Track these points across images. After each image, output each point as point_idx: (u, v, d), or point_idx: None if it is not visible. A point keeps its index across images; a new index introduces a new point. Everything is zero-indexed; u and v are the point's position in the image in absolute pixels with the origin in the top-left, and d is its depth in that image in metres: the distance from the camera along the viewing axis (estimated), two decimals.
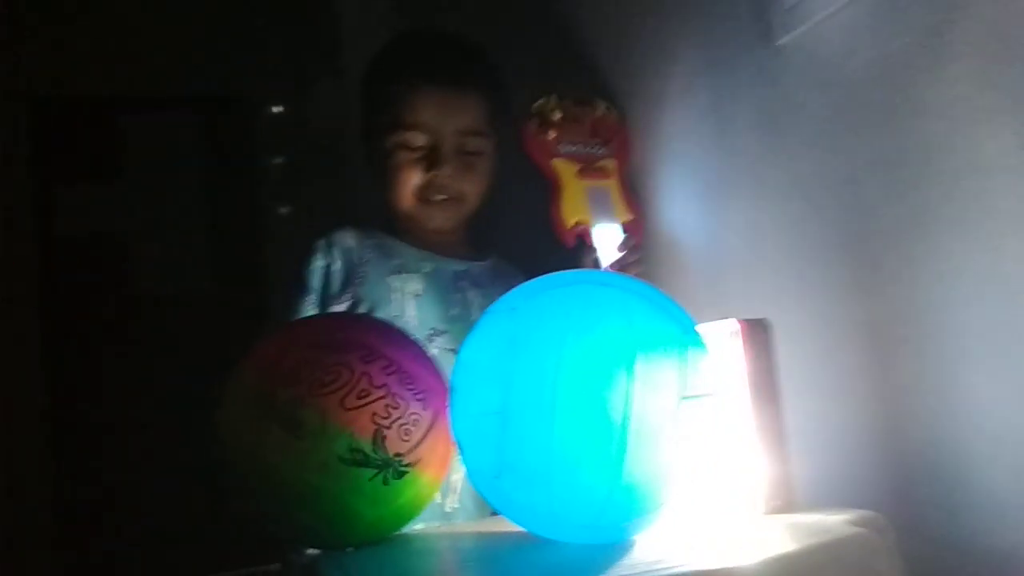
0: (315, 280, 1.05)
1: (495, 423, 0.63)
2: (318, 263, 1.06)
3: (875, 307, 0.80)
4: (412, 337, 0.81)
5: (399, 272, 1.07)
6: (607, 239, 1.06)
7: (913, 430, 0.77)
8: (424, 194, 1.07)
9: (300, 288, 1.05)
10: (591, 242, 1.05)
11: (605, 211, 1.07)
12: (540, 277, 0.70)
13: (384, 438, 0.69)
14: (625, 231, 1.07)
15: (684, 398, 0.62)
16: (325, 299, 1.05)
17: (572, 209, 1.05)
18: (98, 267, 2.68)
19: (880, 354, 0.80)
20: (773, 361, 0.75)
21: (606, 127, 1.12)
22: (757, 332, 0.75)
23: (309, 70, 2.50)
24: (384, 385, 0.70)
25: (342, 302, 1.04)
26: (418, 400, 0.72)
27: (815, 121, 0.86)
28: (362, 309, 1.03)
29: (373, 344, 0.73)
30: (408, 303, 1.05)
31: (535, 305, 0.66)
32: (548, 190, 1.07)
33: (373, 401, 0.69)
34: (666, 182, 1.10)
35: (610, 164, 1.10)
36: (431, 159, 1.06)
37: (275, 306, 1.09)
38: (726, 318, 0.76)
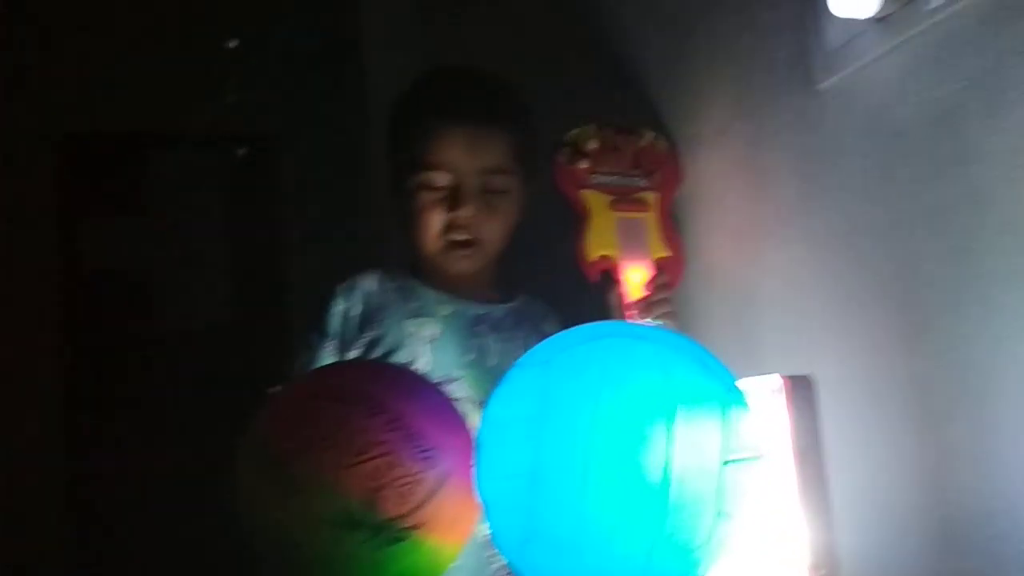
0: (334, 325, 1.03)
1: (524, 485, 0.60)
2: (338, 307, 1.04)
3: (924, 365, 0.76)
4: (434, 388, 0.77)
5: (417, 316, 1.04)
6: (634, 275, 1.01)
7: (964, 499, 0.72)
8: (446, 235, 1.05)
9: (319, 333, 1.03)
10: (617, 277, 1.01)
11: (637, 245, 1.02)
12: (573, 328, 0.66)
13: (378, 500, 0.64)
14: (659, 268, 1.02)
15: (727, 461, 0.59)
16: (344, 344, 1.02)
17: (598, 241, 1.01)
18: (122, 303, 2.69)
19: (929, 416, 0.75)
20: (818, 421, 0.71)
21: (651, 158, 1.07)
22: (801, 389, 0.71)
23: (334, 109, 2.51)
24: (384, 443, 0.65)
25: (359, 347, 1.02)
26: (423, 459, 0.67)
27: (858, 168, 0.82)
28: (377, 354, 1.01)
29: (379, 396, 0.69)
30: (423, 348, 1.02)
31: (568, 358, 0.63)
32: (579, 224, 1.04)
33: (370, 460, 0.64)
34: (700, 227, 1.07)
35: (650, 196, 1.05)
36: (453, 199, 1.03)
37: (294, 349, 1.06)
38: (767, 374, 0.72)
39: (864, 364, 0.81)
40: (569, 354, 0.63)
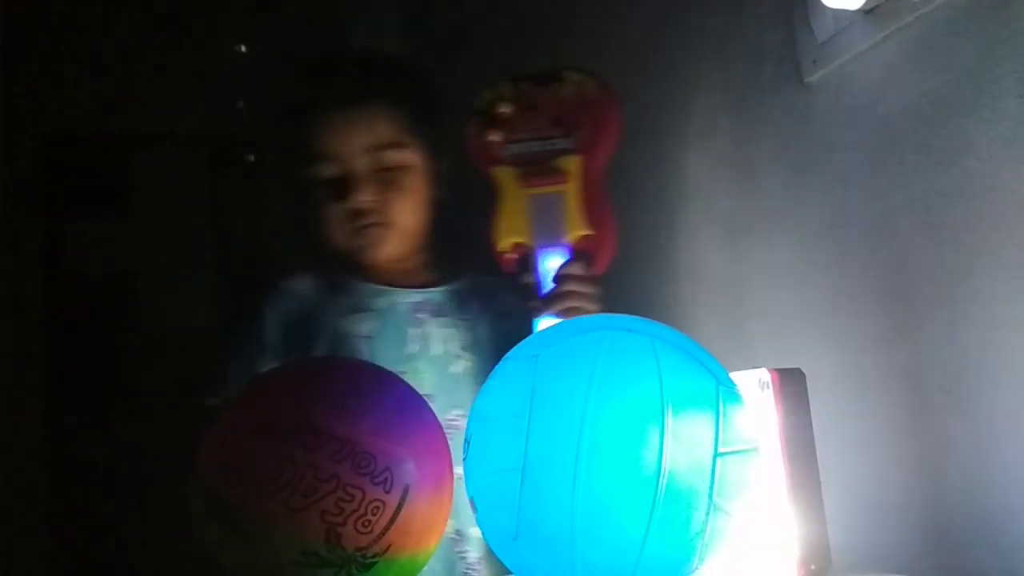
0: (271, 332, 0.99)
1: (513, 480, 0.59)
2: (273, 313, 0.99)
3: (912, 356, 0.76)
4: (382, 381, 0.72)
5: (352, 312, 0.99)
6: (551, 263, 0.88)
7: (955, 490, 0.72)
8: (352, 223, 0.98)
9: (257, 344, 0.98)
10: (533, 266, 0.89)
11: (553, 226, 0.88)
12: (563, 321, 0.65)
13: (339, 536, 0.61)
14: (578, 250, 0.88)
15: (720, 454, 0.58)
16: (285, 350, 0.98)
17: (509, 227, 0.89)
18: (106, 304, 2.66)
19: (919, 407, 0.75)
20: (808, 414, 0.71)
21: (575, 108, 0.89)
22: (791, 383, 0.70)
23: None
24: (333, 477, 0.62)
25: (297, 351, 0.97)
26: (378, 483, 0.63)
27: (847, 161, 0.82)
28: (317, 355, 0.96)
29: (320, 423, 0.64)
30: (361, 345, 0.97)
31: (557, 352, 0.62)
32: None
33: (321, 498, 0.61)
34: (688, 222, 1.06)
35: (571, 162, 0.88)
36: (344, 187, 0.97)
37: (229, 369, 1.00)
38: (756, 367, 0.72)
39: (854, 357, 0.81)
40: (558, 348, 0.62)
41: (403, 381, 0.73)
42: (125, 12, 2.60)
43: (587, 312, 0.88)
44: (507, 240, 0.89)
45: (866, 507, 0.78)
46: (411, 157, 0.99)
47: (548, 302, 0.89)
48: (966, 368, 0.70)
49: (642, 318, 0.65)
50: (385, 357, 0.96)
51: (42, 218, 2.63)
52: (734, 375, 0.68)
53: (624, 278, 1.16)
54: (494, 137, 0.90)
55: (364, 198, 0.97)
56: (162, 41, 2.62)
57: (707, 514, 0.58)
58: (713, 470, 0.57)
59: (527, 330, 0.89)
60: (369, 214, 0.98)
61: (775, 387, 0.70)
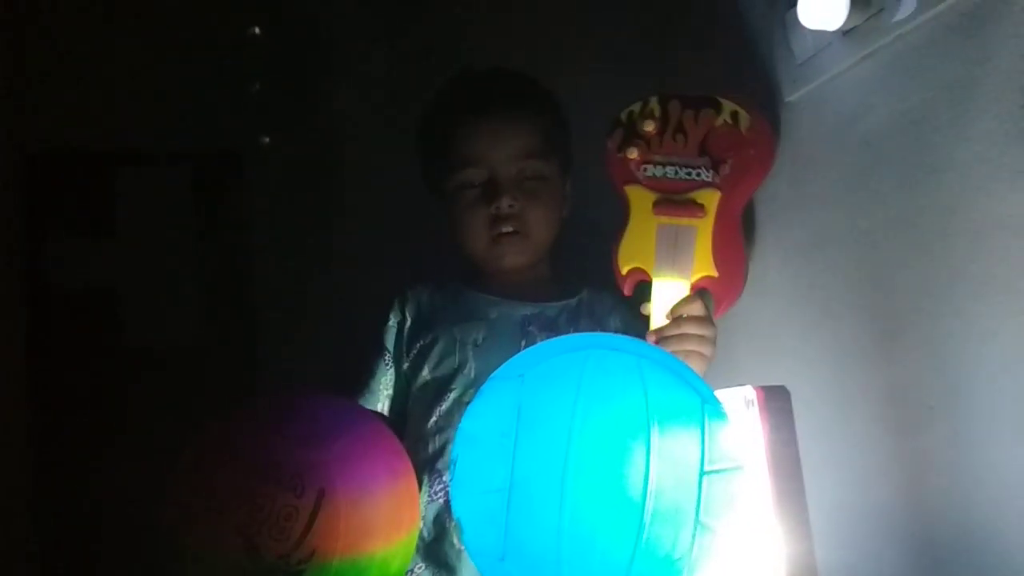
0: (389, 340, 1.04)
1: (500, 500, 0.59)
2: (392, 321, 1.05)
3: (895, 372, 0.76)
4: (304, 399, 0.73)
5: (464, 320, 1.02)
6: (668, 297, 0.85)
7: (939, 505, 0.72)
8: (491, 230, 1.02)
9: (375, 349, 1.03)
10: (649, 295, 0.86)
11: (677, 261, 0.85)
12: (549, 340, 0.66)
13: (256, 547, 0.62)
14: (697, 290, 0.86)
15: (706, 472, 0.58)
16: (399, 357, 1.03)
17: (632, 251, 0.87)
18: (89, 321, 2.64)
19: (902, 423, 0.75)
20: (793, 431, 0.71)
21: (726, 141, 0.85)
22: (776, 400, 0.71)
23: (302, 124, 2.48)
24: (243, 490, 0.63)
25: (410, 357, 1.02)
26: (288, 489, 0.63)
27: (828, 179, 0.83)
28: (429, 365, 1.00)
29: (224, 436, 0.66)
30: (468, 354, 1.00)
31: (543, 371, 0.62)
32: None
33: (233, 512, 0.62)
34: None
35: (711, 197, 0.84)
36: (491, 191, 1.01)
37: (359, 367, 1.05)
38: (740, 385, 0.72)
39: (837, 374, 0.81)
40: (544, 367, 0.63)
41: (331, 398, 0.76)
42: (110, 29, 2.59)
43: (703, 357, 0.86)
44: (627, 263, 0.87)
45: (851, 523, 0.78)
46: (550, 169, 1.03)
47: (666, 340, 0.86)
48: (949, 384, 0.71)
49: (627, 337, 0.65)
50: (490, 365, 0.94)
51: (24, 235, 2.61)
52: (719, 393, 0.68)
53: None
54: (632, 154, 0.87)
55: (508, 204, 1.00)
56: (148, 58, 2.62)
57: (694, 533, 0.58)
58: (699, 489, 0.58)
59: None
60: (509, 220, 1.01)
61: (760, 404, 0.70)
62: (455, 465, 0.64)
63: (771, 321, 0.90)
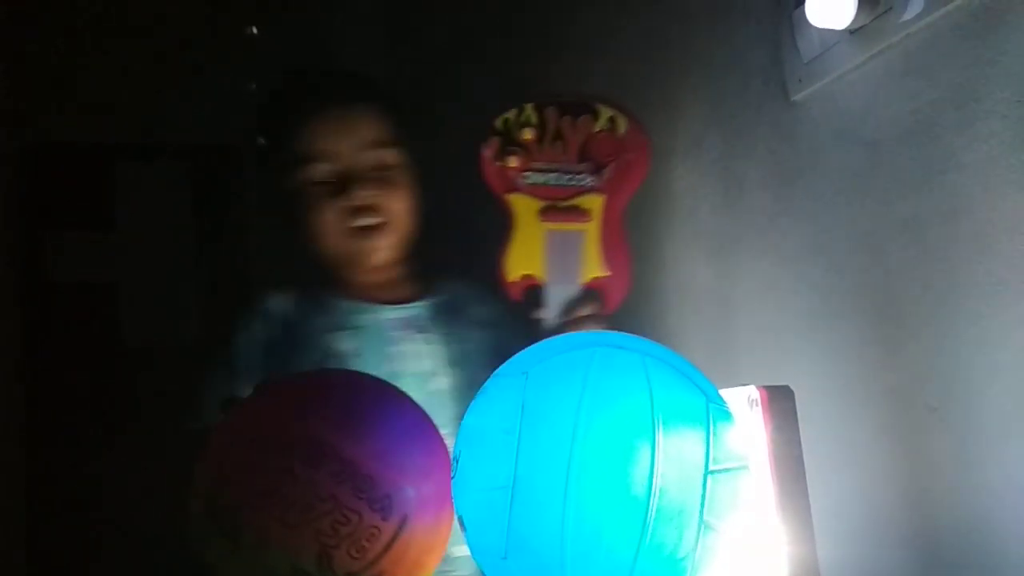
0: (251, 355, 0.97)
1: (503, 498, 0.58)
2: (253, 334, 0.98)
3: (900, 372, 0.76)
4: (393, 403, 0.71)
5: (332, 330, 0.98)
6: (560, 299, 0.87)
7: (943, 506, 0.72)
8: (351, 223, 0.98)
9: (233, 367, 0.96)
10: (542, 300, 0.88)
11: (567, 265, 0.86)
12: (553, 338, 0.65)
13: (331, 558, 0.61)
14: (590, 291, 0.87)
15: (711, 472, 0.58)
16: (264, 372, 0.95)
17: (521, 258, 0.87)
18: (87, 316, 2.63)
19: (906, 423, 0.75)
20: (797, 432, 0.71)
21: (605, 146, 0.87)
22: (780, 400, 0.70)
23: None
24: (332, 497, 0.61)
25: (279, 373, 0.94)
26: (376, 510, 0.62)
27: (833, 179, 0.83)
28: None
29: (326, 440, 0.63)
30: (343, 365, 0.95)
31: (547, 368, 0.62)
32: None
33: (318, 518, 0.60)
34: (674, 240, 1.06)
35: (595, 202, 0.87)
36: (345, 183, 0.98)
37: (206, 391, 0.98)
38: (742, 384, 0.72)
39: (841, 375, 0.81)
40: (548, 364, 0.62)
41: (420, 410, 0.72)
42: (110, 22, 2.58)
43: None
44: (517, 271, 0.87)
45: (855, 524, 0.78)
46: (400, 159, 1.01)
47: None
48: (953, 384, 0.71)
49: (632, 335, 0.65)
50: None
51: (22, 229, 2.60)
52: (723, 392, 0.68)
53: None
54: (512, 163, 0.87)
55: (364, 194, 0.97)
56: (147, 51, 2.61)
57: (698, 532, 0.58)
58: (704, 488, 0.57)
59: (507, 342, 0.88)
60: (368, 211, 0.98)
61: (764, 404, 0.69)
62: (457, 462, 0.64)
63: (775, 321, 0.90)
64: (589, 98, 0.86)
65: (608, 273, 0.87)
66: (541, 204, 0.86)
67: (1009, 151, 0.66)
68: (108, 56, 2.64)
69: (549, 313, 0.87)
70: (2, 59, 2.50)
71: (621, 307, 0.92)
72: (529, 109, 0.86)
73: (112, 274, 2.65)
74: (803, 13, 0.78)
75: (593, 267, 0.87)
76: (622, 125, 0.87)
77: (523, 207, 0.87)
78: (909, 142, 0.74)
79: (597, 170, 0.87)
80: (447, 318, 1.03)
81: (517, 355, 0.66)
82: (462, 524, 0.64)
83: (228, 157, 2.79)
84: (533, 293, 0.87)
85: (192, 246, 2.74)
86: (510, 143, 0.86)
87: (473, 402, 0.65)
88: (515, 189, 0.87)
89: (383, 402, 0.71)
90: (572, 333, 0.65)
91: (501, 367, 0.66)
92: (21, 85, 2.53)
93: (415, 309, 1.03)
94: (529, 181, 0.86)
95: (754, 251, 0.93)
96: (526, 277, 0.87)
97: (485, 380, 0.66)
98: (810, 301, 0.85)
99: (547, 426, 0.58)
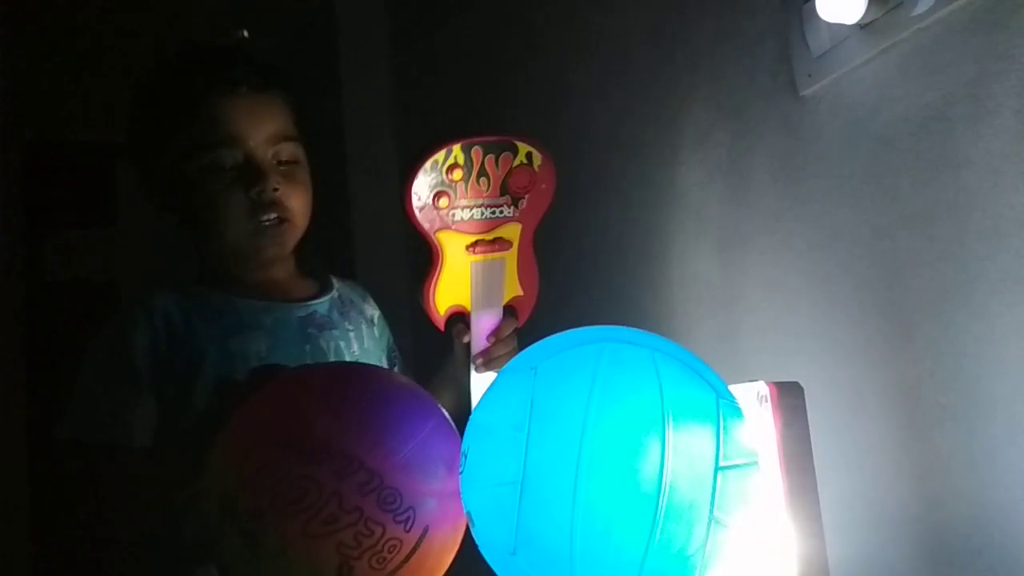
0: (140, 361, 0.87)
1: (511, 494, 0.58)
2: (139, 340, 0.88)
3: (911, 372, 0.75)
4: (419, 409, 0.69)
5: (237, 332, 0.90)
6: (485, 323, 0.91)
7: (954, 506, 0.71)
8: (253, 217, 0.92)
9: (117, 375, 0.87)
10: (467, 327, 0.92)
11: (492, 293, 0.91)
12: (561, 333, 0.65)
13: (352, 569, 0.60)
14: (510, 311, 0.92)
15: (721, 468, 0.57)
16: (160, 386, 0.88)
17: (449, 292, 0.90)
18: (88, 314, 2.63)
19: (915, 420, 0.75)
20: (806, 428, 0.70)
21: (522, 179, 0.90)
22: (789, 396, 0.70)
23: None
24: (357, 509, 0.60)
25: (175, 383, 0.87)
26: (399, 522, 0.62)
27: (843, 175, 0.82)
28: (203, 390, 0.87)
29: (353, 450, 0.62)
30: (254, 367, 0.88)
31: (556, 364, 0.62)
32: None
33: (341, 529, 0.60)
34: (682, 236, 1.06)
35: (514, 231, 0.91)
36: (251, 175, 0.91)
37: (86, 404, 0.89)
38: (750, 380, 0.71)
39: (850, 371, 0.81)
40: (557, 360, 0.62)
41: (442, 413, 0.71)
42: (111, 21, 2.58)
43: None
44: (445, 303, 0.90)
45: (864, 521, 0.78)
46: (302, 154, 0.97)
47: (496, 359, 0.90)
48: (963, 380, 0.70)
49: (641, 330, 0.64)
50: None
51: (23, 228, 2.60)
52: (732, 388, 0.68)
53: (617, 291, 1.16)
54: (443, 204, 0.88)
55: (271, 188, 0.92)
56: (149, 49, 2.61)
57: (708, 529, 0.57)
58: (714, 484, 0.57)
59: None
60: (273, 207, 0.93)
61: (773, 400, 0.69)
62: (466, 458, 0.63)
63: (784, 317, 0.90)
64: (509, 136, 0.90)
65: (522, 293, 0.93)
66: (468, 239, 0.90)
67: (1020, 146, 0.65)
68: (109, 52, 2.64)
69: (475, 337, 0.91)
70: (3, 59, 2.50)
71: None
72: (456, 150, 0.87)
73: (112, 272, 2.65)
74: (813, 7, 0.78)
75: (511, 288, 0.92)
76: (537, 159, 0.91)
77: (451, 243, 0.89)
78: (919, 137, 0.74)
79: (515, 202, 0.91)
80: (348, 314, 1.00)
81: (526, 350, 0.66)
82: (470, 520, 0.63)
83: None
84: (457, 322, 0.91)
85: (193, 244, 2.74)
86: (439, 183, 0.87)
87: (482, 397, 0.65)
88: (444, 227, 0.89)
89: (409, 408, 0.69)
90: (581, 328, 0.64)
91: (510, 363, 0.66)
92: (22, 85, 2.53)
93: (320, 305, 0.98)
94: (456, 218, 0.89)
95: (762, 247, 0.93)
96: (453, 308, 0.91)
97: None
98: (819, 296, 0.85)
99: (556, 422, 0.58)
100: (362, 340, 1.00)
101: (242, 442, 0.66)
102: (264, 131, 0.93)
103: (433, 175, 0.86)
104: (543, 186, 0.91)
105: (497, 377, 0.65)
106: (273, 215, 0.93)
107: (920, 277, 0.74)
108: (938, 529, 0.72)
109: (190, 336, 0.90)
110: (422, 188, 0.86)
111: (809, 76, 0.84)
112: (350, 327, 0.99)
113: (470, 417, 0.65)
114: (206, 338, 0.90)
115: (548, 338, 0.66)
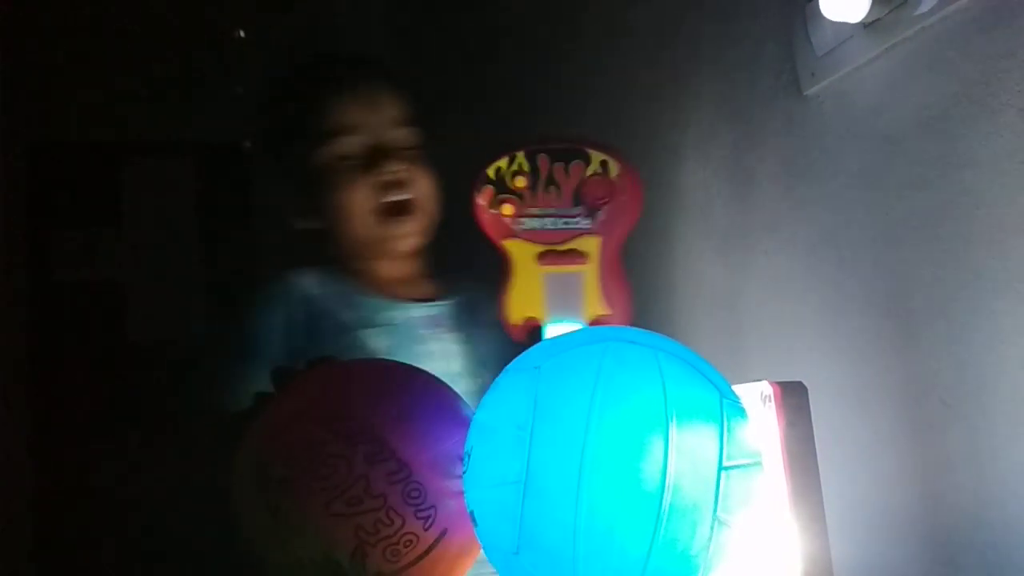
0: (273, 338, 0.90)
1: (515, 494, 0.58)
2: (276, 316, 0.91)
3: (913, 368, 0.75)
4: (457, 422, 0.69)
5: (365, 325, 0.93)
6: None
7: (959, 507, 0.71)
8: (381, 199, 0.95)
9: (250, 351, 0.90)
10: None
11: (569, 305, 0.87)
12: (565, 332, 0.65)
13: (365, 555, 0.60)
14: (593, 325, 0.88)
15: (725, 468, 0.57)
16: (288, 364, 0.88)
17: (522, 302, 0.87)
18: (93, 314, 2.63)
19: (919, 420, 0.75)
20: (810, 428, 0.70)
21: (598, 190, 0.88)
22: (793, 396, 0.70)
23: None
24: (381, 495, 0.61)
25: (302, 366, 0.87)
26: (420, 518, 0.62)
27: (847, 174, 0.82)
28: None
29: (384, 437, 0.62)
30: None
31: (560, 363, 0.61)
32: None
33: (363, 513, 0.60)
34: (686, 235, 1.06)
35: (592, 243, 0.88)
36: (376, 156, 0.95)
37: (204, 375, 0.94)
38: (754, 380, 0.71)
39: (854, 370, 0.81)
40: (561, 359, 0.62)
41: (468, 411, 0.71)
42: (114, 20, 2.58)
43: None
44: (519, 314, 0.87)
45: (868, 521, 0.78)
46: (419, 143, 1.00)
47: None
48: (967, 380, 0.70)
49: (645, 330, 0.64)
50: None
51: (28, 227, 2.61)
52: (736, 388, 0.67)
53: None
54: (507, 211, 0.87)
55: (397, 168, 0.95)
56: (152, 49, 2.61)
57: (711, 529, 0.57)
58: (718, 484, 0.57)
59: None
60: (399, 187, 0.95)
61: (777, 400, 0.69)
62: (469, 457, 0.63)
63: (788, 317, 0.89)
64: (579, 143, 0.88)
65: (609, 311, 0.88)
66: (538, 249, 0.88)
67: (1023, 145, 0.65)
68: (114, 54, 2.64)
69: None
70: (6, 59, 2.50)
71: (631, 304, 0.92)
72: (520, 157, 0.87)
73: (117, 272, 2.65)
74: (817, 6, 0.78)
75: (594, 306, 0.88)
76: (614, 168, 0.88)
77: (520, 252, 0.87)
78: (923, 137, 0.73)
79: (591, 213, 0.88)
80: (468, 318, 1.00)
81: (529, 350, 0.66)
82: (473, 519, 0.63)
83: (233, 154, 2.79)
84: (536, 334, 0.88)
85: (197, 243, 2.74)
86: (503, 190, 0.87)
87: (484, 397, 0.65)
88: (511, 235, 0.88)
89: (447, 412, 0.70)
90: (584, 328, 0.64)
91: (513, 362, 0.66)
92: (24, 85, 2.53)
93: (440, 307, 1.00)
94: (525, 227, 0.87)
95: (766, 246, 0.93)
96: (528, 319, 0.88)
97: None
98: (823, 296, 0.85)
99: (559, 421, 0.58)
100: (484, 344, 0.98)
101: (283, 416, 0.67)
102: (386, 114, 0.97)
103: (496, 182, 0.86)
104: (623, 197, 0.88)
105: (500, 376, 0.65)
106: (402, 196, 0.95)
107: (924, 276, 0.74)
108: (942, 529, 0.72)
109: (324, 321, 0.92)
110: (485, 195, 0.86)
111: (813, 75, 0.84)
112: (468, 330, 0.99)
113: (473, 416, 0.65)
114: (337, 326, 0.92)
115: (551, 338, 0.66)
